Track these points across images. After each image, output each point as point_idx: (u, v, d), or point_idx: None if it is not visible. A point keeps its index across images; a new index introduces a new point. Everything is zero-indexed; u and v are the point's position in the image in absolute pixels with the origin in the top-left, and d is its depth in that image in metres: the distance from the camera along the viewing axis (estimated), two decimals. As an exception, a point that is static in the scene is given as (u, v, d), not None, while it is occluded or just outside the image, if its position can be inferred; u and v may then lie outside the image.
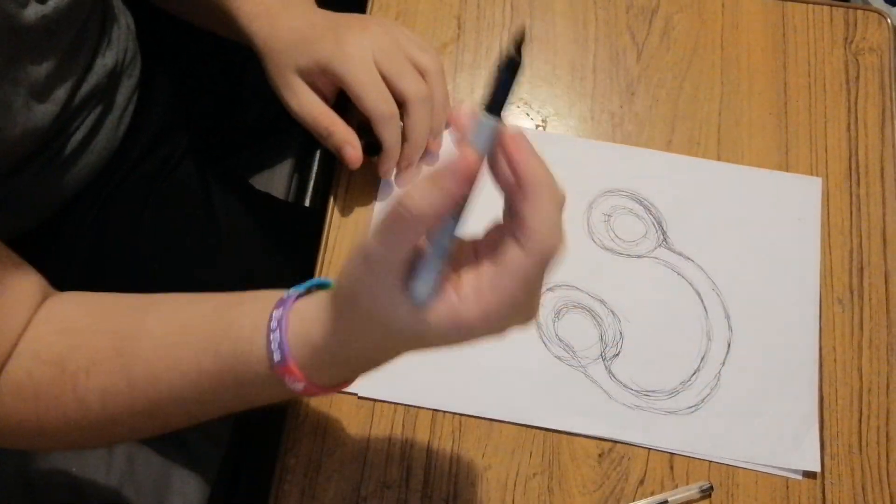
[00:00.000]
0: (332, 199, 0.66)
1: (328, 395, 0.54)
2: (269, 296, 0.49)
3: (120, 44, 0.70)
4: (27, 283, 0.55)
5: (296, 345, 0.46)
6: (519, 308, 0.40)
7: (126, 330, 0.53)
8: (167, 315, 0.52)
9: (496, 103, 0.39)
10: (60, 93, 0.60)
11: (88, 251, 0.73)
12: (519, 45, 0.38)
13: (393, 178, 0.66)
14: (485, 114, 0.39)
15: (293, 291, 0.48)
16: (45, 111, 0.59)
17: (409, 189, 0.38)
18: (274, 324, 0.46)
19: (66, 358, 0.52)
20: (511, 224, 0.39)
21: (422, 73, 0.63)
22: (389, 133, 0.62)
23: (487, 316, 0.39)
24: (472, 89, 0.71)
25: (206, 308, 0.51)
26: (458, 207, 0.40)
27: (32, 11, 0.55)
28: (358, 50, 0.60)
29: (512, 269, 0.39)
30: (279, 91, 0.64)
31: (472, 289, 0.40)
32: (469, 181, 0.38)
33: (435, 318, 0.40)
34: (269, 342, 0.46)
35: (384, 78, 0.61)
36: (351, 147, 0.62)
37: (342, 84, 0.61)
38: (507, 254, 0.39)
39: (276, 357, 0.45)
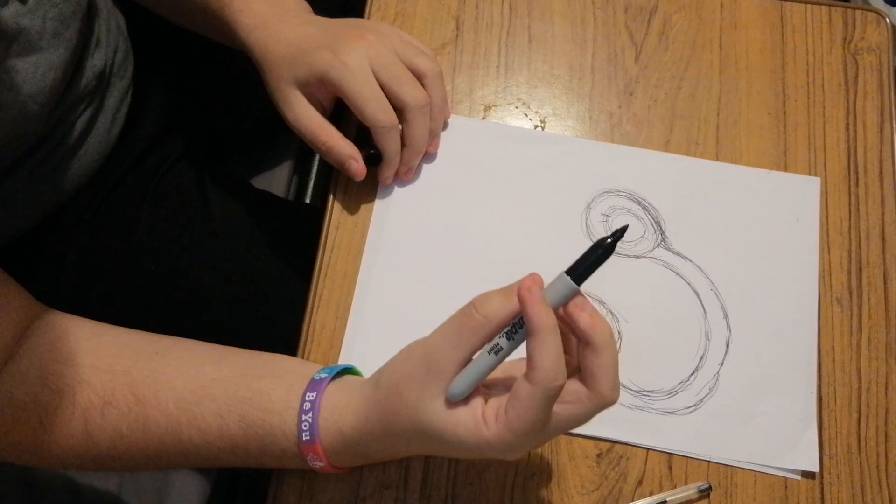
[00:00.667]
0: (331, 199, 0.66)
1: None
2: (298, 371, 0.54)
3: (110, 44, 0.70)
4: (12, 298, 0.56)
5: (326, 430, 0.51)
6: (529, 433, 0.45)
7: (141, 375, 0.54)
8: (187, 370, 0.55)
9: (579, 272, 0.45)
10: (48, 94, 0.60)
11: (83, 254, 0.73)
12: (618, 237, 0.44)
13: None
14: (565, 275, 0.45)
15: (325, 374, 0.53)
16: (32, 112, 0.59)
17: (482, 296, 0.46)
18: (307, 405, 0.51)
19: (76, 392, 0.53)
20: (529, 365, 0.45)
21: (419, 77, 0.63)
22: (390, 143, 0.62)
23: (501, 435, 0.45)
24: (471, 90, 0.71)
25: (228, 372, 0.54)
26: (513, 336, 0.46)
27: (13, 10, 0.54)
28: (355, 60, 0.60)
29: (523, 397, 0.44)
30: (277, 104, 0.64)
31: (493, 412, 0.46)
32: (534, 300, 0.44)
33: (463, 424, 0.46)
34: (300, 422, 0.51)
35: (382, 86, 0.61)
36: (354, 161, 0.62)
37: (341, 95, 0.61)
38: (520, 387, 0.44)
39: (305, 437, 0.50)
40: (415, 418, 0.47)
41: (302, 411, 0.51)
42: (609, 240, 0.44)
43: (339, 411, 0.51)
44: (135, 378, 0.54)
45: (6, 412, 0.53)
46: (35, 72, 0.57)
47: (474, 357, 0.47)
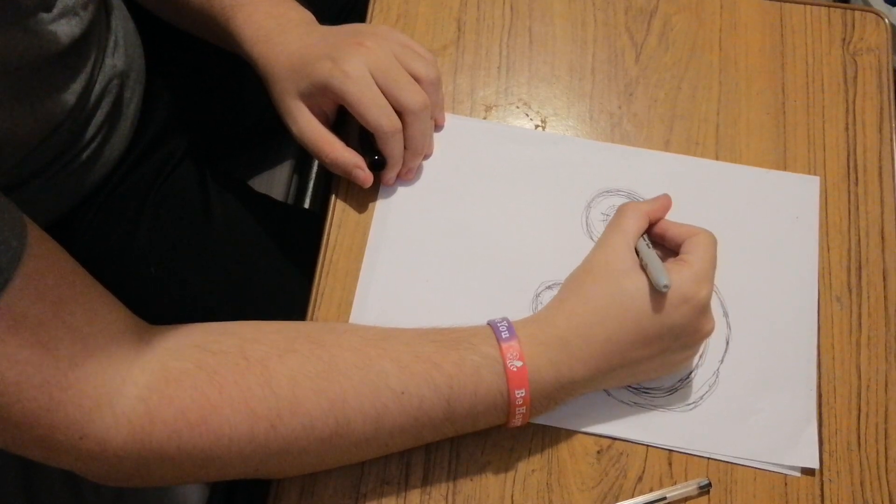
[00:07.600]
0: (332, 199, 0.66)
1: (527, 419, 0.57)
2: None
3: (128, 46, 0.71)
4: (121, 317, 0.53)
5: (521, 324, 0.55)
6: (709, 277, 0.56)
7: (316, 330, 0.55)
8: (363, 326, 0.57)
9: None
10: (70, 97, 0.61)
11: (84, 253, 0.73)
12: None
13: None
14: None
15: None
16: (58, 111, 0.60)
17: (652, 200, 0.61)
18: (499, 318, 0.56)
19: (246, 349, 0.52)
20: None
21: (418, 81, 0.63)
22: (393, 147, 0.63)
23: (697, 276, 0.55)
24: (472, 90, 0.71)
25: (405, 336, 0.56)
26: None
27: (46, 17, 0.56)
28: (355, 68, 0.61)
29: (698, 243, 0.57)
30: (282, 117, 0.65)
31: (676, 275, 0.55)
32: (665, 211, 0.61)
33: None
34: (496, 324, 0.55)
35: (382, 91, 0.61)
36: (360, 171, 0.63)
37: (344, 103, 0.62)
38: (690, 242, 0.57)
39: (505, 335, 0.54)
40: (612, 276, 0.55)
41: (495, 321, 0.55)
42: None
43: (531, 318, 0.56)
44: (311, 332, 0.54)
45: (168, 382, 0.50)
46: (52, 69, 0.59)
47: (644, 259, 0.56)
